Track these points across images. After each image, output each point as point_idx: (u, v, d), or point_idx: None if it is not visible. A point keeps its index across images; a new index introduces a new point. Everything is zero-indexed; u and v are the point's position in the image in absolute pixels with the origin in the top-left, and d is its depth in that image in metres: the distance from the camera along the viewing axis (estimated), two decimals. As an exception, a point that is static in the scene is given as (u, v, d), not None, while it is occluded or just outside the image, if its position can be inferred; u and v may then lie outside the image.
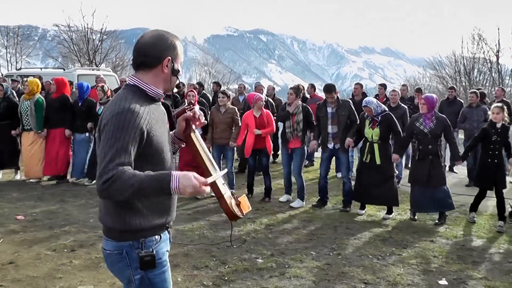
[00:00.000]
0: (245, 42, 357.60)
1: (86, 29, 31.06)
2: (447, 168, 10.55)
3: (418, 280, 4.86)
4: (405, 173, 9.18)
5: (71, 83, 10.91)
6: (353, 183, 7.63)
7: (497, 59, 31.02)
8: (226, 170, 2.49)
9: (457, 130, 10.11)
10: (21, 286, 4.55)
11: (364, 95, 10.29)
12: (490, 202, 7.67)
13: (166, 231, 2.47)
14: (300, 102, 8.11)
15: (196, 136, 2.56)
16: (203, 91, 12.68)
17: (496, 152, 6.75)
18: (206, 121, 2.61)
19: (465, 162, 8.78)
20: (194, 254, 5.48)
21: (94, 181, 9.21)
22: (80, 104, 9.19)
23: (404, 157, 9.68)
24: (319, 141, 8.00)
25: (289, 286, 4.64)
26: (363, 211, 7.55)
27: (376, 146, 7.20)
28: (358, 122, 7.55)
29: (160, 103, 2.44)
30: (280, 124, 8.29)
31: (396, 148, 7.32)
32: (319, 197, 8.01)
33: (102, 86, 9.21)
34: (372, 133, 7.22)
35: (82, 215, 7.11)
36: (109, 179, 2.03)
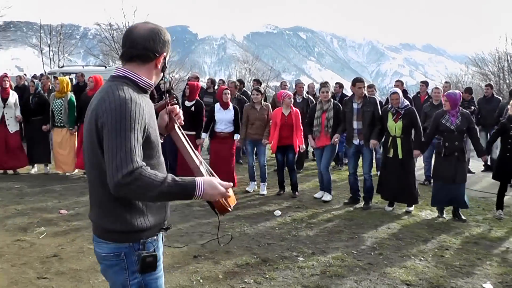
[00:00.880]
0: (285, 39, 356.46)
1: (127, 27, 31.50)
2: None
3: (461, 283, 4.74)
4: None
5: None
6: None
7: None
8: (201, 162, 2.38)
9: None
10: (65, 278, 4.65)
11: (405, 92, 10.13)
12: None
13: (166, 229, 2.36)
14: (332, 99, 8.15)
15: (180, 130, 2.47)
16: (244, 88, 12.71)
17: None
18: (183, 122, 2.49)
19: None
20: (235, 251, 5.50)
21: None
22: None
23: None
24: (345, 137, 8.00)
25: (330, 285, 4.61)
26: (391, 208, 7.52)
27: (399, 140, 7.17)
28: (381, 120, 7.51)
29: (149, 95, 2.31)
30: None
31: (417, 144, 7.25)
32: (350, 195, 8.01)
33: None
34: (395, 126, 7.18)
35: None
36: (131, 173, 1.91)
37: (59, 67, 26.01)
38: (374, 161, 8.17)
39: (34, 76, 14.70)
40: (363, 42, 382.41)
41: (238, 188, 8.63)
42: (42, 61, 37.11)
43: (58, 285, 4.44)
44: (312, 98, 10.58)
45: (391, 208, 7.51)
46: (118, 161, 1.93)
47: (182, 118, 2.48)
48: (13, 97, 9.54)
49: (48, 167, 9.95)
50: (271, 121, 8.39)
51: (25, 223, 6.42)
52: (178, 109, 2.46)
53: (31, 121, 9.67)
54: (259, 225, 6.61)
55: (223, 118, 8.34)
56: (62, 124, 9.45)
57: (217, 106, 8.45)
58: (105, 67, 17.96)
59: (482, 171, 10.78)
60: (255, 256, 5.35)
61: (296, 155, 8.41)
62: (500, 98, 10.78)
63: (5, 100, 9.37)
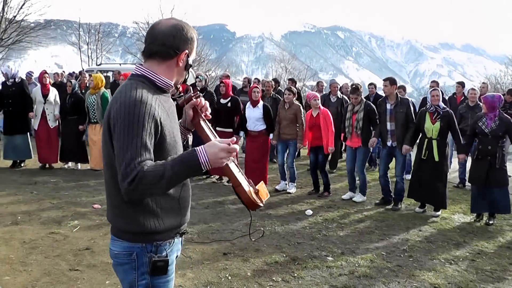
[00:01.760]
0: (322, 39, 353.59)
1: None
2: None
3: (492, 288, 4.67)
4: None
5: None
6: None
7: None
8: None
9: None
10: (96, 271, 4.76)
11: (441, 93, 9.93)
12: None
13: (182, 233, 2.30)
14: (364, 100, 8.08)
15: (206, 123, 2.38)
16: (279, 87, 12.72)
17: None
18: (210, 115, 2.38)
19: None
20: (265, 249, 5.54)
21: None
22: None
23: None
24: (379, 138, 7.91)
25: (358, 285, 4.60)
26: (422, 210, 7.43)
27: (435, 142, 7.06)
28: (414, 122, 7.40)
29: (170, 95, 2.26)
30: None
31: (460, 148, 7.16)
32: (382, 196, 7.95)
33: None
34: (432, 128, 7.06)
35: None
36: (134, 179, 1.88)
37: (97, 64, 26.53)
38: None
39: (71, 75, 15.06)
40: (401, 42, 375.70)
41: (270, 186, 8.66)
42: (81, 58, 37.92)
43: (89, 277, 4.57)
44: (346, 97, 10.51)
45: (421, 210, 7.42)
46: (122, 170, 1.91)
47: (210, 110, 2.40)
48: (53, 93, 9.84)
49: (78, 165, 10.18)
50: (303, 123, 8.40)
51: (60, 217, 6.62)
52: (203, 101, 2.36)
53: (67, 120, 9.90)
54: (290, 224, 6.63)
55: (251, 115, 8.42)
56: (96, 120, 9.61)
57: (248, 104, 8.55)
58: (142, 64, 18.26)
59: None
60: (284, 255, 5.37)
61: (330, 156, 8.36)
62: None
63: (45, 96, 9.67)
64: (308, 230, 6.39)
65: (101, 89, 9.61)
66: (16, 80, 9.50)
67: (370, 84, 11.72)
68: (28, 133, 9.94)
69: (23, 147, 9.73)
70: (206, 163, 1.94)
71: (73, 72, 14.48)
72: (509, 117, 6.92)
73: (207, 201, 7.61)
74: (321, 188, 8.50)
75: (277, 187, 8.76)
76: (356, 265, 5.13)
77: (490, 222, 6.86)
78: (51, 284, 4.43)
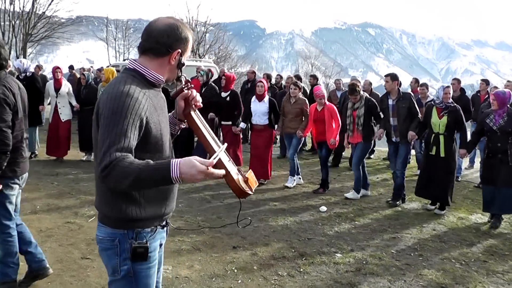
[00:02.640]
0: (353, 36, 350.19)
1: (191, 21, 31.94)
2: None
3: (501, 289, 4.57)
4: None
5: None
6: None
7: None
8: (226, 144, 2.29)
9: None
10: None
11: (463, 91, 9.73)
12: None
13: (164, 223, 2.36)
14: (364, 96, 7.99)
15: (196, 114, 2.43)
16: (301, 84, 12.68)
17: None
18: (201, 105, 2.43)
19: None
20: (275, 244, 5.54)
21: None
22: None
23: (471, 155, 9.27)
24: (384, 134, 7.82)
25: (363, 282, 4.56)
26: (433, 207, 7.33)
27: (442, 138, 6.95)
28: (419, 116, 7.34)
29: (160, 90, 2.32)
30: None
31: (463, 143, 7.01)
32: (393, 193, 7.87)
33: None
34: (439, 122, 6.96)
35: (190, 210, 7.23)
36: (107, 166, 1.91)
37: (123, 60, 26.88)
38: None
39: (72, 67, 15.49)
40: (433, 38, 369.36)
41: (279, 184, 8.68)
42: (108, 54, 38.49)
43: (99, 265, 4.64)
44: (367, 95, 10.38)
45: (433, 207, 7.32)
46: (101, 155, 1.95)
47: (200, 101, 2.41)
48: (66, 86, 10.02)
49: (92, 156, 10.32)
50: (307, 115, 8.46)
51: (77, 207, 6.75)
52: (194, 93, 2.38)
53: (82, 110, 10.10)
54: (303, 219, 6.61)
55: (257, 109, 8.52)
56: None
57: (254, 97, 8.65)
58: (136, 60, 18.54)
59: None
60: (293, 250, 5.37)
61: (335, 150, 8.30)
62: None
63: (57, 90, 9.87)
64: (320, 226, 6.36)
65: None
66: (28, 74, 9.71)
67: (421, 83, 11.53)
68: (38, 127, 10.14)
69: (29, 140, 9.92)
70: (177, 178, 1.92)
71: (101, 67, 14.75)
72: None
73: (223, 196, 7.64)
74: (331, 185, 8.49)
75: (286, 184, 8.71)
76: (364, 262, 5.08)
77: (495, 224, 6.66)
78: (62, 271, 4.53)
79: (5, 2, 23.60)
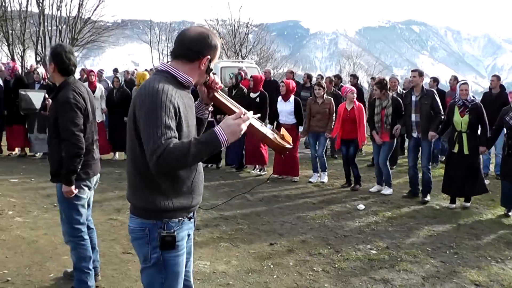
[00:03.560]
0: (397, 33, 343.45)
1: (234, 22, 32.22)
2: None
3: (536, 287, 4.52)
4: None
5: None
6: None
7: None
8: (257, 114, 2.45)
9: None
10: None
11: (502, 87, 9.51)
12: None
13: (191, 215, 2.51)
14: (390, 95, 8.03)
15: (220, 93, 2.60)
16: (341, 83, 12.71)
17: None
18: (222, 85, 2.63)
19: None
20: (311, 241, 5.64)
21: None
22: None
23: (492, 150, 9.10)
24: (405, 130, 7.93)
25: (397, 279, 4.61)
26: (454, 205, 7.29)
27: (464, 136, 6.92)
28: (441, 113, 7.33)
29: (190, 91, 2.49)
30: None
31: (483, 140, 6.97)
32: (409, 188, 7.94)
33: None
34: (461, 121, 6.93)
35: (213, 198, 7.50)
36: (162, 154, 2.09)
37: (167, 62, 27.44)
38: None
39: (116, 70, 15.98)
40: (479, 35, 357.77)
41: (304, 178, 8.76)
42: (152, 56, 39.28)
43: (139, 259, 4.85)
44: (394, 95, 10.32)
45: (453, 205, 7.28)
46: (151, 147, 2.13)
47: (219, 82, 2.59)
48: (99, 89, 10.39)
49: (117, 155, 10.77)
50: (334, 115, 8.65)
51: (120, 205, 7.03)
52: (212, 77, 2.54)
53: (114, 112, 10.43)
54: (340, 217, 6.68)
55: (283, 109, 8.77)
56: None
57: (279, 98, 8.87)
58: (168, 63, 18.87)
59: None
60: (329, 247, 5.45)
61: (392, 151, 8.34)
62: None
63: (92, 92, 10.21)
64: (357, 224, 6.42)
65: None
66: None
67: (431, 78, 11.40)
68: None
69: None
70: (225, 140, 2.16)
71: (146, 70, 15.16)
72: None
73: (263, 195, 7.78)
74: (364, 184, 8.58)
75: (311, 179, 8.95)
76: (399, 259, 5.12)
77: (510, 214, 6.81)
78: (104, 264, 4.76)
79: (52, 8, 24.45)
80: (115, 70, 16.48)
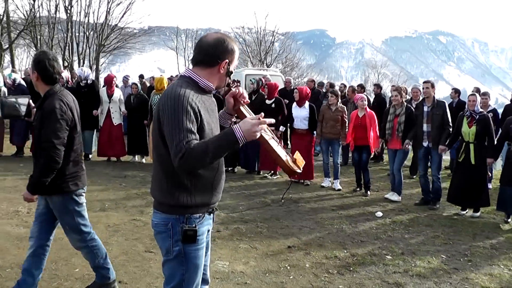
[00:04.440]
0: (424, 44, 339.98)
1: (260, 31, 32.45)
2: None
3: (547, 296, 4.57)
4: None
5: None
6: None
7: None
8: (273, 120, 2.48)
9: None
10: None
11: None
12: None
13: (211, 211, 2.64)
14: (405, 103, 8.16)
15: (245, 108, 2.72)
16: (364, 92, 12.82)
17: None
18: (248, 100, 2.73)
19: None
20: (328, 245, 5.77)
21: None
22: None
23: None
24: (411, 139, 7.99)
25: (409, 283, 4.71)
26: (464, 212, 7.40)
27: (472, 146, 7.02)
28: (450, 125, 7.48)
29: (212, 95, 2.63)
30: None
31: (490, 151, 7.05)
32: (422, 196, 8.06)
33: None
34: (469, 131, 7.04)
35: (234, 201, 7.71)
36: (184, 155, 2.25)
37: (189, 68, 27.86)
38: None
39: (142, 76, 16.43)
40: (506, 47, 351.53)
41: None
42: (178, 62, 39.80)
43: (161, 258, 4.92)
44: (408, 104, 10.37)
45: (464, 212, 7.41)
46: (174, 149, 2.29)
47: (247, 97, 2.73)
48: (118, 93, 10.77)
49: (144, 158, 11.09)
50: (347, 122, 8.90)
51: (143, 206, 7.26)
52: (241, 91, 2.68)
53: (132, 116, 10.77)
54: (358, 224, 6.79)
55: (298, 115, 9.05)
56: None
57: (294, 104, 9.13)
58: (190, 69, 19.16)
59: None
60: (345, 251, 5.58)
61: (406, 158, 8.44)
62: None
63: (110, 96, 10.60)
64: (374, 230, 6.52)
65: (164, 90, 10.26)
66: (88, 81, 10.51)
67: (453, 89, 11.42)
68: (95, 130, 10.88)
69: (88, 141, 10.63)
70: (242, 137, 2.30)
71: (171, 76, 15.48)
72: None
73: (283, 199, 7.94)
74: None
75: (322, 184, 9.18)
76: (413, 265, 5.22)
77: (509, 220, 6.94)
78: (127, 261, 4.99)
79: (80, 15, 25.07)
80: (141, 76, 16.85)
